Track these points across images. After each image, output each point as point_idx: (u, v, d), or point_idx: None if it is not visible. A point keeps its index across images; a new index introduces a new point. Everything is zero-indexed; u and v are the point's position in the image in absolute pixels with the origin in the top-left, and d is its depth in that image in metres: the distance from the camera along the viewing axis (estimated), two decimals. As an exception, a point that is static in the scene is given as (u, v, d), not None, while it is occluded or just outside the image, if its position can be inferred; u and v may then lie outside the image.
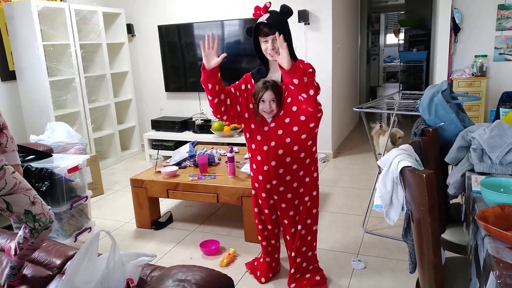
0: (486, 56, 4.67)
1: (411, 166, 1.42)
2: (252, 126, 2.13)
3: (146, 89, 5.53)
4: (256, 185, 2.25)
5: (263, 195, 2.24)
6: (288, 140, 2.08)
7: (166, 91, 5.34)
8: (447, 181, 1.95)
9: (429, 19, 7.27)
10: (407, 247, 2.14)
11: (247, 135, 2.18)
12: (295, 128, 2.05)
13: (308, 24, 4.50)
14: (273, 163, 2.12)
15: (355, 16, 6.28)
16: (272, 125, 2.09)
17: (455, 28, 4.70)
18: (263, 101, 2.02)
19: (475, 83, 4.59)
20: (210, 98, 2.01)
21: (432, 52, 6.20)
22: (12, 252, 1.70)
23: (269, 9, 1.98)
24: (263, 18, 1.93)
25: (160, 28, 5.07)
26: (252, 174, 2.27)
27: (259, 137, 2.12)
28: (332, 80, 4.67)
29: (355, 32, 6.41)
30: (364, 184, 3.90)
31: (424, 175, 1.28)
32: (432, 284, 1.40)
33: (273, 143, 2.09)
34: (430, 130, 1.94)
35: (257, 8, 1.99)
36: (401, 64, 8.07)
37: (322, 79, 4.52)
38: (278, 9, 2.02)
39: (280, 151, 2.10)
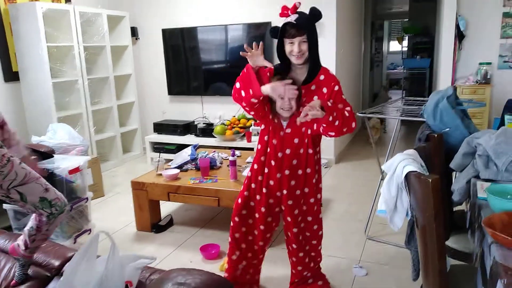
0: (490, 63, 4.65)
1: (416, 171, 1.40)
2: (271, 128, 2.01)
3: (149, 92, 5.52)
4: (264, 190, 2.08)
5: (270, 201, 2.10)
6: (301, 150, 1.99)
7: (169, 94, 5.33)
8: (451, 188, 1.93)
9: (433, 26, 7.27)
10: (410, 254, 2.11)
11: (266, 138, 2.03)
12: (306, 140, 1.98)
13: (312, 29, 4.49)
14: (286, 171, 2.02)
15: (359, 22, 6.27)
16: (288, 130, 1.98)
17: (460, 35, 4.69)
18: (282, 97, 1.88)
19: (479, 90, 4.56)
20: (248, 106, 1.90)
21: (436, 59, 6.19)
22: (22, 248, 1.69)
23: (298, 10, 1.87)
24: (291, 18, 1.81)
25: (164, 31, 5.07)
26: (250, 174, 2.14)
27: (274, 141, 2.00)
28: (335, 86, 4.66)
29: (359, 39, 6.41)
30: (366, 190, 3.87)
31: (430, 180, 1.26)
32: (437, 292, 1.37)
33: (288, 151, 1.99)
34: (435, 135, 1.92)
35: (284, 8, 1.87)
36: (405, 71, 8.06)
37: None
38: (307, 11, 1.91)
39: (294, 161, 2.00)
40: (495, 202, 1.41)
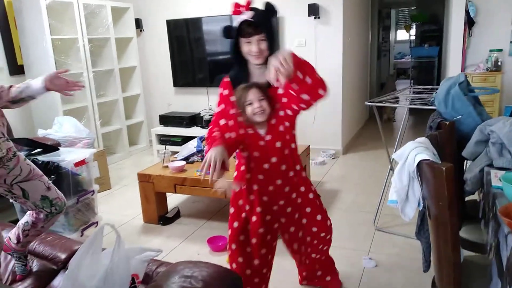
0: (501, 50, 4.54)
1: (429, 160, 1.35)
2: (247, 141, 1.79)
3: (154, 84, 5.49)
4: (259, 209, 1.85)
5: (267, 217, 1.89)
6: (286, 152, 1.80)
7: (174, 86, 5.30)
8: (464, 177, 1.88)
9: (441, 14, 7.14)
10: (421, 245, 2.07)
11: (244, 154, 1.82)
12: (287, 137, 1.79)
13: (319, 18, 4.42)
14: (278, 181, 1.83)
15: (365, 11, 6.17)
16: (268, 137, 1.76)
17: (469, 22, 4.58)
18: (250, 103, 1.68)
19: (490, 78, 4.47)
20: None
21: (445, 47, 6.08)
22: (14, 241, 1.67)
23: (251, 6, 1.69)
24: (247, 15, 1.64)
25: (169, 22, 5.02)
26: (237, 189, 1.91)
27: (256, 153, 1.79)
28: (343, 75, 4.60)
29: (366, 28, 6.30)
30: (374, 181, 3.82)
31: (444, 168, 1.21)
32: (451, 283, 1.33)
33: (274, 159, 1.78)
34: (447, 123, 1.86)
35: (236, 5, 1.68)
36: (412, 60, 7.95)
37: (332, 73, 4.45)
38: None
39: (283, 167, 1.81)
40: (510, 190, 1.36)
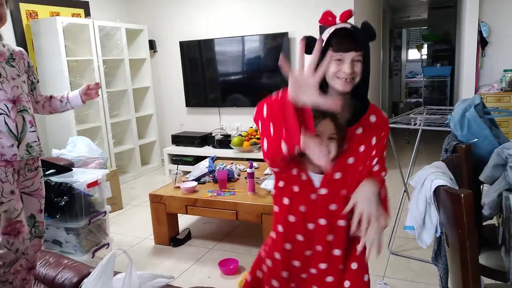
0: (515, 70, 4.51)
1: (446, 185, 1.32)
2: (296, 188, 1.32)
3: (167, 104, 5.55)
4: (285, 274, 1.41)
5: (292, 284, 1.43)
6: (341, 223, 1.32)
7: (186, 106, 5.34)
8: (481, 201, 1.83)
9: (453, 33, 7.14)
10: (438, 270, 2.01)
11: (286, 201, 1.34)
12: (333, 207, 1.34)
13: (330, 38, 4.44)
14: (318, 247, 1.35)
15: (377, 31, 6.18)
16: (323, 191, 1.30)
17: (482, 42, 4.57)
18: (318, 136, 1.19)
19: (504, 98, 4.42)
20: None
21: (457, 67, 6.05)
22: None
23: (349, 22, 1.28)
24: (344, 25, 1.25)
25: (182, 44, 5.10)
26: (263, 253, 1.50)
27: (302, 208, 1.32)
28: (354, 95, 4.59)
29: (377, 47, 6.33)
30: (388, 203, 3.75)
31: (462, 195, 1.18)
32: (472, 315, 1.29)
33: (323, 221, 1.32)
34: (463, 146, 1.83)
35: (328, 14, 1.27)
36: (424, 79, 7.92)
37: (344, 94, 4.44)
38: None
39: (330, 237, 1.34)
40: (532, 218, 1.32)
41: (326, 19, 1.26)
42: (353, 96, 1.28)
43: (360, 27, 1.26)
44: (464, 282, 1.32)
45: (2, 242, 1.58)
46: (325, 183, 1.29)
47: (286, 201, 1.34)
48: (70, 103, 2.03)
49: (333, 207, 1.30)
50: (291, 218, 1.34)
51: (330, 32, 1.23)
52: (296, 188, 1.31)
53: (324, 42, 1.23)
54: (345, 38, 1.21)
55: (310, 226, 1.33)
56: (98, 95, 2.14)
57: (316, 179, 1.29)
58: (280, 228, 1.38)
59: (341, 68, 1.21)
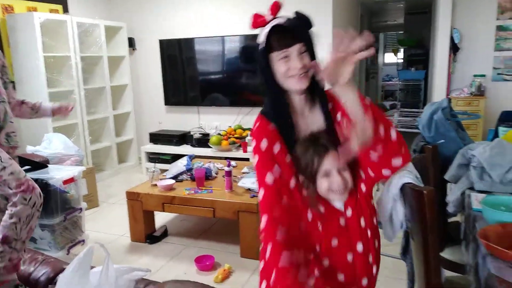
0: (484, 76, 4.70)
1: (411, 183, 1.40)
2: (310, 216, 1.17)
3: (146, 102, 5.52)
4: None
5: None
6: (369, 233, 1.21)
7: (165, 104, 5.34)
8: (446, 199, 1.93)
9: (428, 38, 7.34)
10: (406, 265, 2.10)
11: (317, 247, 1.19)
12: (362, 223, 1.19)
13: (308, 41, 4.52)
14: (341, 276, 1.18)
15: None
16: (349, 213, 1.19)
17: (454, 48, 4.74)
18: (326, 175, 1.13)
19: (474, 102, 4.60)
20: None
21: (431, 71, 6.24)
22: None
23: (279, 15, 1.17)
24: (278, 21, 1.14)
25: (161, 42, 5.10)
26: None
27: (335, 242, 1.18)
28: (331, 97, 4.69)
29: (355, 50, 6.46)
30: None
31: (425, 192, 1.26)
32: (432, 304, 1.37)
33: (360, 246, 1.19)
34: (430, 147, 1.93)
35: (256, 16, 1.18)
36: (400, 82, 8.13)
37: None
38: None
39: (341, 276, 1.17)
40: (490, 213, 1.41)
41: (257, 22, 1.17)
42: (313, 92, 1.20)
43: (293, 18, 1.17)
44: (426, 275, 1.40)
45: (19, 199, 1.55)
46: (349, 203, 1.17)
47: (317, 247, 1.17)
48: (40, 113, 2.21)
49: (363, 223, 1.18)
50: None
51: (266, 33, 1.14)
52: (310, 216, 1.17)
53: (263, 45, 1.15)
54: (283, 33, 1.13)
55: (316, 272, 1.14)
56: (69, 114, 2.38)
57: (338, 203, 1.18)
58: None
59: (290, 65, 1.13)
